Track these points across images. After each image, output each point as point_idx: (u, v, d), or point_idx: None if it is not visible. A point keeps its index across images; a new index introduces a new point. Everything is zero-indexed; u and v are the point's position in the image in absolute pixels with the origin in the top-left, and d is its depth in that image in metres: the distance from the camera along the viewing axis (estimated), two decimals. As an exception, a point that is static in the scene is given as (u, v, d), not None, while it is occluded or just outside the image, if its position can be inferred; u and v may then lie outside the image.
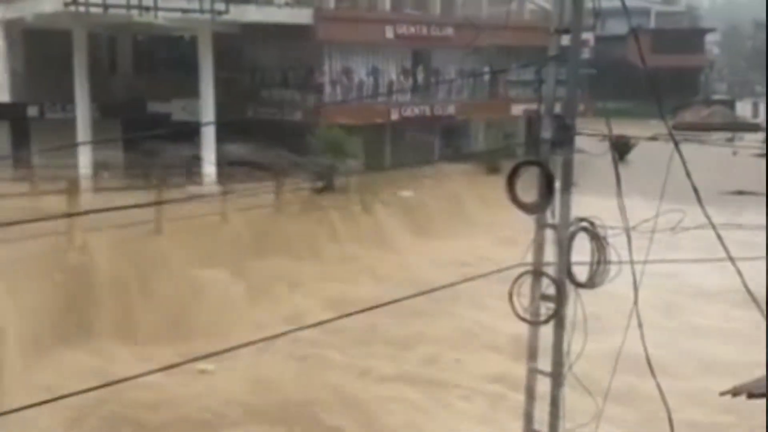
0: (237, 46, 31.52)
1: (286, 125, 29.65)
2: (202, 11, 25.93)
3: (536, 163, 5.50)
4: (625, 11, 5.56)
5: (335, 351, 12.62)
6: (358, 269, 17.77)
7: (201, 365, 11.25)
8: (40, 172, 29.91)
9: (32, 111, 29.69)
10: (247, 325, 13.37)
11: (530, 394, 6.03)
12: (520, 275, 5.63)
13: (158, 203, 16.14)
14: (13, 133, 32.16)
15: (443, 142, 34.72)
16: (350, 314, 6.05)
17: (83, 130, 27.69)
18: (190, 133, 29.43)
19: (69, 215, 15.27)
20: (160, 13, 25.31)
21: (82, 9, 23.99)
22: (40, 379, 11.63)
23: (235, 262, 17.66)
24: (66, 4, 23.77)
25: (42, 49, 30.45)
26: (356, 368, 12.62)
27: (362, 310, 6.06)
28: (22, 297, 13.88)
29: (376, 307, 6.04)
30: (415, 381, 12.15)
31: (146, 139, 32.47)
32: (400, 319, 12.28)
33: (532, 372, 6.02)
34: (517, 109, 34.30)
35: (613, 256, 5.55)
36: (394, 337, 13.31)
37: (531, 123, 32.68)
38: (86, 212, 16.53)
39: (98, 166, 28.49)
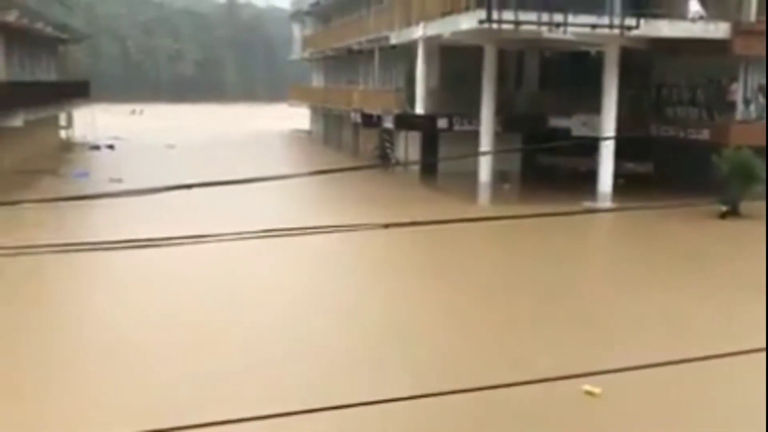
0: (643, 62, 30.70)
1: (690, 144, 28.20)
2: (611, 27, 25.65)
3: None
4: None
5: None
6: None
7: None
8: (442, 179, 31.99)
9: (442, 123, 31.73)
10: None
11: None
12: None
13: (554, 214, 16.21)
14: (423, 142, 34.82)
15: None
16: None
17: (486, 142, 28.91)
18: (588, 148, 29.32)
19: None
20: (569, 29, 25.53)
21: (495, 26, 25.05)
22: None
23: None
24: (480, 22, 24.99)
25: (454, 64, 32.49)
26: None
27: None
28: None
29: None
30: None
31: (544, 153, 33.22)
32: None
33: None
34: None
35: None
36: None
37: None
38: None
39: (498, 177, 29.63)
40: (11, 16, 29.22)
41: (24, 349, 12.34)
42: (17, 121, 28.17)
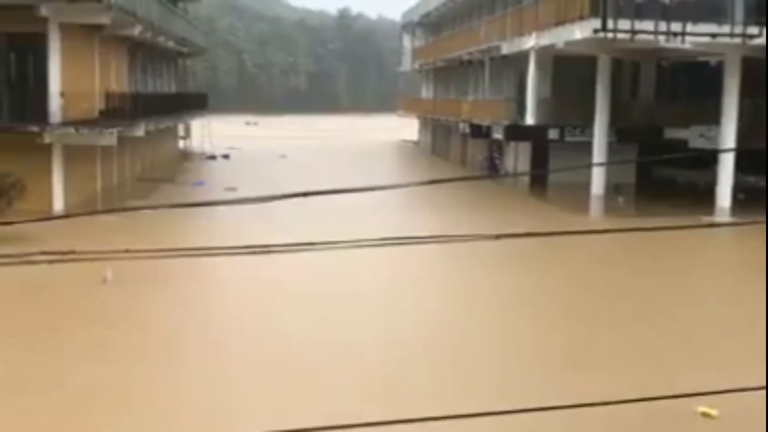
0: (766, 71, 29.47)
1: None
2: (732, 36, 24.76)
3: None
4: None
5: None
6: None
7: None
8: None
9: (553, 134, 31.26)
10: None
11: None
12: None
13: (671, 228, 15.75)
14: (534, 153, 34.41)
15: None
16: None
17: (599, 153, 28.32)
18: (707, 161, 28.26)
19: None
20: (688, 38, 24.77)
21: (610, 35, 24.55)
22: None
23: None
24: (595, 31, 24.54)
25: (566, 74, 31.99)
26: None
27: None
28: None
29: None
30: None
31: (661, 165, 32.23)
32: None
33: None
34: None
35: None
36: None
37: None
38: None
39: (611, 189, 28.96)
40: (135, 31, 30.51)
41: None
42: (139, 131, 29.35)
